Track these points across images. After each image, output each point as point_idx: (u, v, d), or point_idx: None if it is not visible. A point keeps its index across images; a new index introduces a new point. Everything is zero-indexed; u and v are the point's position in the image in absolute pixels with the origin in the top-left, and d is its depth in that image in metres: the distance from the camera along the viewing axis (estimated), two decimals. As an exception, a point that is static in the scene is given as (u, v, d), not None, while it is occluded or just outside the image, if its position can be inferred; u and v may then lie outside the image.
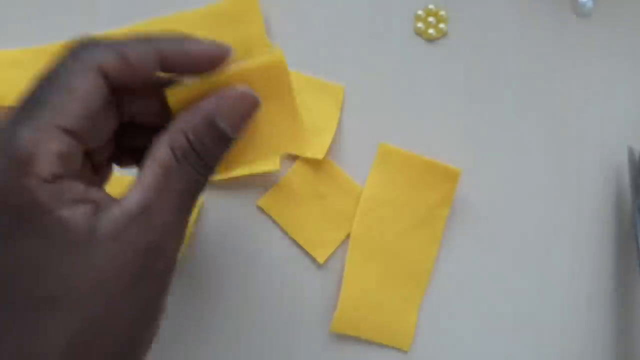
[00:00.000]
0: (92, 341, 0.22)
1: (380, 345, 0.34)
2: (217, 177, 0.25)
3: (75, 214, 0.21)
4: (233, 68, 0.25)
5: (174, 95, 0.25)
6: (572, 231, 0.35)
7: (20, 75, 0.35)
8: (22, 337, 0.21)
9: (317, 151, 0.35)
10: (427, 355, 0.34)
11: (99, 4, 0.36)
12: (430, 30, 0.36)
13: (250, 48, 0.36)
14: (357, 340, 0.34)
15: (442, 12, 0.36)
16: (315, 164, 0.35)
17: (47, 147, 0.21)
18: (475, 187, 0.35)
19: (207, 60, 0.24)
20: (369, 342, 0.34)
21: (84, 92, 0.22)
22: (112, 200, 0.22)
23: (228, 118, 0.24)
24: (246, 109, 0.25)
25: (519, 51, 0.36)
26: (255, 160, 0.27)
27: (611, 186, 0.36)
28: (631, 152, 0.34)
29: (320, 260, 0.35)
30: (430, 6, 0.36)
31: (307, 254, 0.35)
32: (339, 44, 0.36)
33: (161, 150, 0.23)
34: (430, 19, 0.36)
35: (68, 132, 0.21)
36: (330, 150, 0.35)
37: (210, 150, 0.24)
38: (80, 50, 0.22)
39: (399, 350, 0.34)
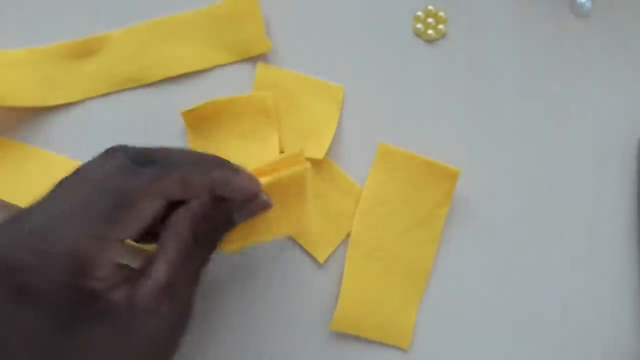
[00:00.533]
0: None
1: (380, 344, 0.34)
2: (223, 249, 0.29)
3: (118, 295, 0.24)
4: (263, 177, 0.29)
5: (189, 116, 0.33)
6: (572, 230, 0.35)
7: (19, 76, 0.35)
8: None
9: (316, 151, 0.35)
10: (427, 354, 0.34)
11: (99, 4, 0.36)
12: (430, 31, 0.36)
13: (250, 48, 0.36)
14: (356, 339, 0.34)
15: (441, 13, 0.36)
16: (315, 164, 0.35)
17: (106, 256, 0.24)
18: (474, 187, 0.35)
19: (245, 194, 0.28)
20: (368, 341, 0.34)
21: (145, 212, 0.25)
22: (139, 271, 0.25)
23: (243, 217, 0.28)
24: (260, 211, 0.29)
25: (517, 52, 0.36)
26: (260, 239, 0.31)
27: (611, 185, 0.36)
28: None
29: (321, 259, 0.35)
30: (430, 7, 0.36)
31: (307, 253, 0.35)
32: (338, 45, 0.36)
33: (184, 231, 0.26)
34: (430, 20, 0.36)
35: (123, 240, 0.25)
36: (329, 151, 0.35)
37: (221, 235, 0.28)
38: (149, 172, 0.25)
39: (398, 349, 0.34)
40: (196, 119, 0.35)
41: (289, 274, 0.35)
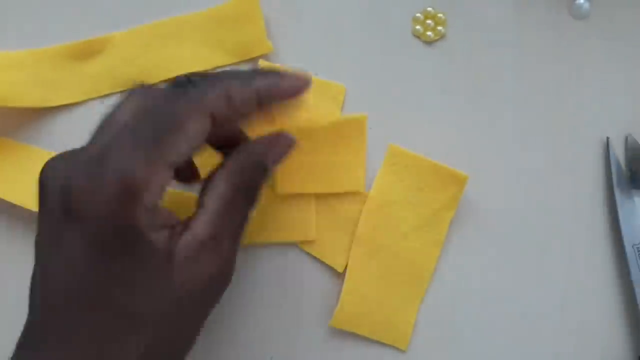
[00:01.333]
0: (161, 351, 0.25)
1: (379, 346, 0.35)
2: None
3: (160, 239, 0.24)
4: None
5: None
6: (576, 238, 0.35)
7: (21, 77, 0.36)
8: (103, 344, 0.24)
9: None
10: (425, 355, 0.35)
11: (100, 5, 0.37)
12: (429, 33, 0.36)
13: (251, 49, 0.36)
14: (355, 340, 0.35)
15: (440, 15, 0.36)
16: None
17: (156, 180, 0.24)
18: (473, 189, 0.36)
19: (295, 92, 0.28)
20: (367, 342, 0.35)
21: (194, 133, 0.25)
22: (182, 224, 0.25)
23: (274, 161, 0.29)
24: (288, 151, 0.29)
25: (516, 53, 0.36)
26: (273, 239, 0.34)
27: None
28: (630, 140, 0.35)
29: (340, 269, 0.35)
30: (429, 9, 0.36)
31: (305, 253, 0.35)
32: (337, 46, 0.36)
33: (222, 186, 0.26)
34: (429, 21, 0.36)
35: (173, 166, 0.24)
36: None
37: (259, 186, 0.28)
38: (192, 92, 0.25)
39: (396, 349, 0.35)
40: None
41: (288, 269, 0.35)
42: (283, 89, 0.27)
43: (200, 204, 0.26)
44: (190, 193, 0.34)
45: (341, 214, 0.35)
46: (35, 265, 0.25)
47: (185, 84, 0.26)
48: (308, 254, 0.35)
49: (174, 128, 0.24)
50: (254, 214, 0.28)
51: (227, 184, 0.26)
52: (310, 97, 0.35)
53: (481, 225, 0.35)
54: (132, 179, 0.23)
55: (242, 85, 0.26)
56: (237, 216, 0.27)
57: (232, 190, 0.26)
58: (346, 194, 0.35)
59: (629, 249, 0.34)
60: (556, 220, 0.36)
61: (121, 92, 0.36)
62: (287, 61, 0.36)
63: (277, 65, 0.36)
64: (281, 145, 0.29)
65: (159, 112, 0.25)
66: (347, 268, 0.34)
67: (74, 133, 0.36)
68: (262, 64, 0.36)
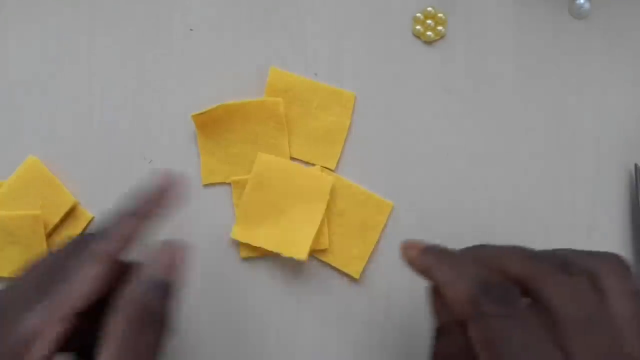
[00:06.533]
0: None
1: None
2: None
3: None
4: None
5: (199, 119, 0.35)
6: (580, 244, 0.36)
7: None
8: None
9: (328, 161, 0.36)
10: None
11: (100, 6, 0.37)
12: (429, 33, 0.36)
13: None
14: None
15: (440, 15, 0.36)
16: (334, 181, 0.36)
17: (49, 332, 0.23)
18: (468, 188, 0.36)
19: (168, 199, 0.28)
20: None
21: (85, 280, 0.25)
22: None
23: (169, 275, 0.26)
24: (181, 259, 0.27)
25: (516, 53, 0.36)
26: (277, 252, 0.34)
27: (610, 187, 0.36)
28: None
29: (356, 275, 0.35)
30: (429, 9, 0.36)
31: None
32: (337, 46, 0.36)
33: (120, 319, 0.24)
34: (429, 21, 0.36)
35: (69, 317, 0.24)
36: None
37: (163, 307, 0.25)
38: (89, 242, 0.25)
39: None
40: (207, 121, 0.35)
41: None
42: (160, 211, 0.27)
43: (103, 338, 0.24)
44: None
45: (354, 220, 0.35)
46: None
47: (88, 237, 0.26)
48: (323, 262, 0.36)
49: (63, 279, 0.24)
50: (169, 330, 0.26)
51: (122, 316, 0.24)
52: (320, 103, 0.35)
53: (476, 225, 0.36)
54: (21, 329, 0.23)
55: (130, 221, 0.26)
56: (142, 346, 0.24)
57: (128, 323, 0.24)
58: (358, 202, 0.36)
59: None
60: (557, 217, 0.36)
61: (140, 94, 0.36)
62: (288, 61, 0.36)
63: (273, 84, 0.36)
64: (171, 255, 0.27)
65: (52, 266, 0.25)
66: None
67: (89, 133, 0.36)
68: (274, 70, 0.36)
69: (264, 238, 0.35)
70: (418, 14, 0.36)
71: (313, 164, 0.36)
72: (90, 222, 0.36)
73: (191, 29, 0.37)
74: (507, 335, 0.23)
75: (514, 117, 0.36)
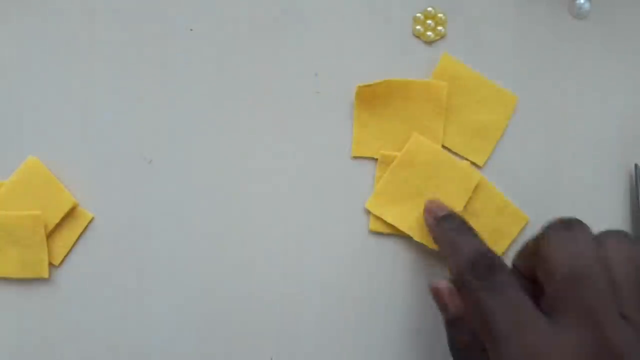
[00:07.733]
0: None
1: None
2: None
3: None
4: None
5: (363, 90, 0.35)
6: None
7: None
8: None
9: (478, 157, 0.36)
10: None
11: (100, 6, 0.37)
12: (429, 33, 0.36)
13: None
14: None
15: (440, 15, 0.36)
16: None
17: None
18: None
19: None
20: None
21: None
22: None
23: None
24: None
25: (516, 53, 0.36)
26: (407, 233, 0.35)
27: (610, 187, 0.36)
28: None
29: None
30: (429, 9, 0.36)
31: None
32: (338, 46, 0.36)
33: None
34: (429, 21, 0.36)
35: None
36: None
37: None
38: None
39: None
40: (368, 94, 0.35)
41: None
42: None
43: None
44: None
45: (487, 226, 0.35)
46: None
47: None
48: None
49: None
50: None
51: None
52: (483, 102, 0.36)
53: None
54: None
55: None
56: None
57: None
58: (495, 208, 0.35)
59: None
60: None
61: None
62: (288, 61, 0.36)
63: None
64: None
65: None
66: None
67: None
68: (445, 56, 0.36)
69: (398, 216, 0.35)
70: (418, 14, 0.36)
71: (461, 156, 0.36)
72: (90, 222, 0.36)
73: (191, 29, 0.37)
74: (489, 304, 0.24)
75: (513, 116, 0.36)
